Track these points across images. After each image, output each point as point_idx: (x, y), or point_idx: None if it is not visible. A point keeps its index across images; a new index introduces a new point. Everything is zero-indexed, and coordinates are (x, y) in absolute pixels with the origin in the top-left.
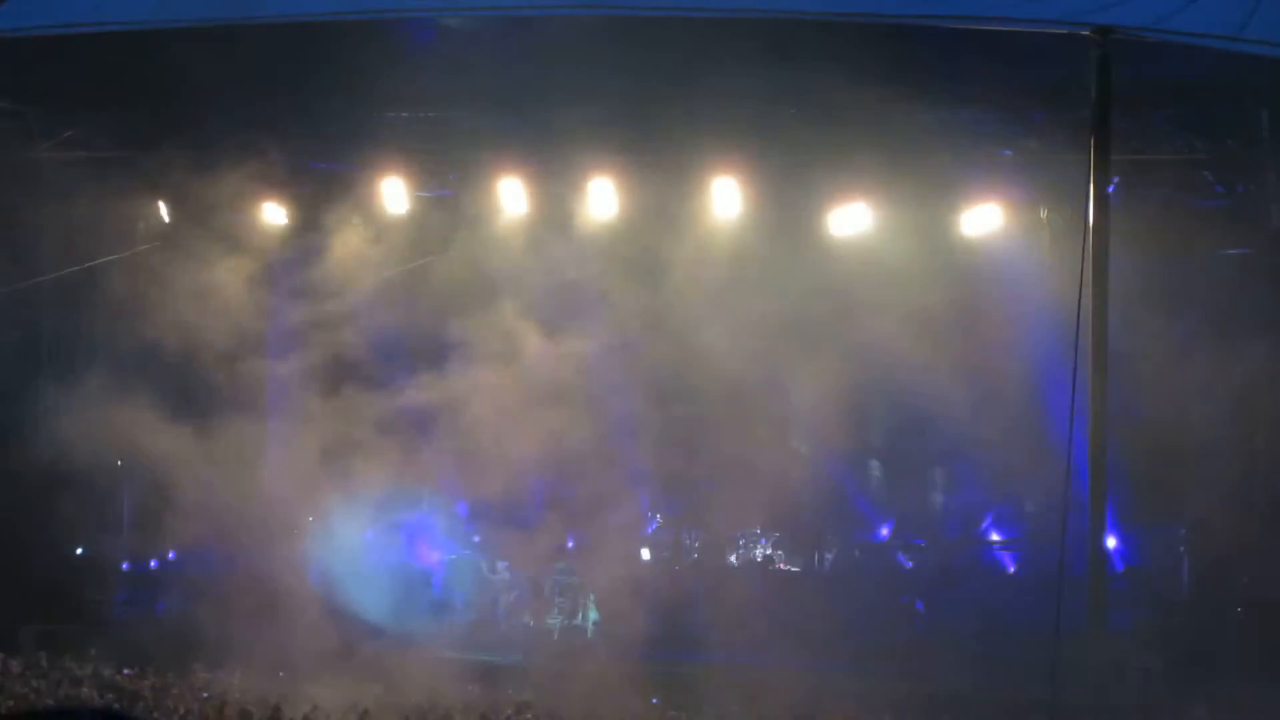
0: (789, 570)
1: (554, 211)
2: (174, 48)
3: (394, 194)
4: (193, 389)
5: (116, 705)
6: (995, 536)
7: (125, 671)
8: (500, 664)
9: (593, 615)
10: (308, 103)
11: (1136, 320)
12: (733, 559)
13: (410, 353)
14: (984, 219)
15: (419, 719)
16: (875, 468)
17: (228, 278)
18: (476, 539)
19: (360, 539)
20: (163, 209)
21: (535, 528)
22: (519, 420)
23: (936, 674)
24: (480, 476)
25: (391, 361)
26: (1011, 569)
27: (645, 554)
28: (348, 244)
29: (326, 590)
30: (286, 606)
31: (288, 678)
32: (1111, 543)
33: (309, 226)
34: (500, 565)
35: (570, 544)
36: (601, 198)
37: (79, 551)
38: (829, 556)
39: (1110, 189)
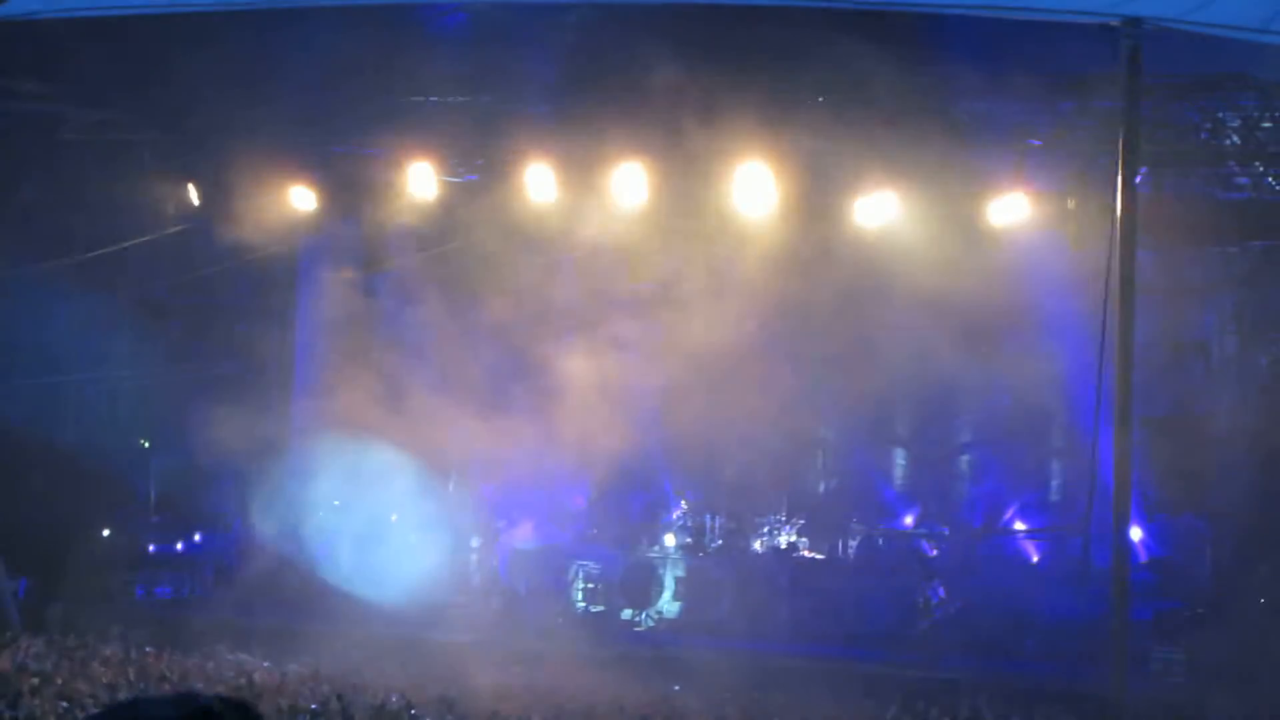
0: (812, 557)
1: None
2: (204, 31)
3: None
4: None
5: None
6: (1020, 526)
7: (147, 649)
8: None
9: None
10: (335, 87)
11: (1163, 311)
12: (756, 545)
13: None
14: (1011, 209)
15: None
16: (900, 455)
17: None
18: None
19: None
20: (193, 192)
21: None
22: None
23: (955, 662)
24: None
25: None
26: (1035, 559)
27: (669, 540)
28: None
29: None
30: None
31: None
32: (1137, 534)
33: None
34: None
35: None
36: (629, 184)
37: (104, 533)
38: (853, 544)
39: (1138, 180)
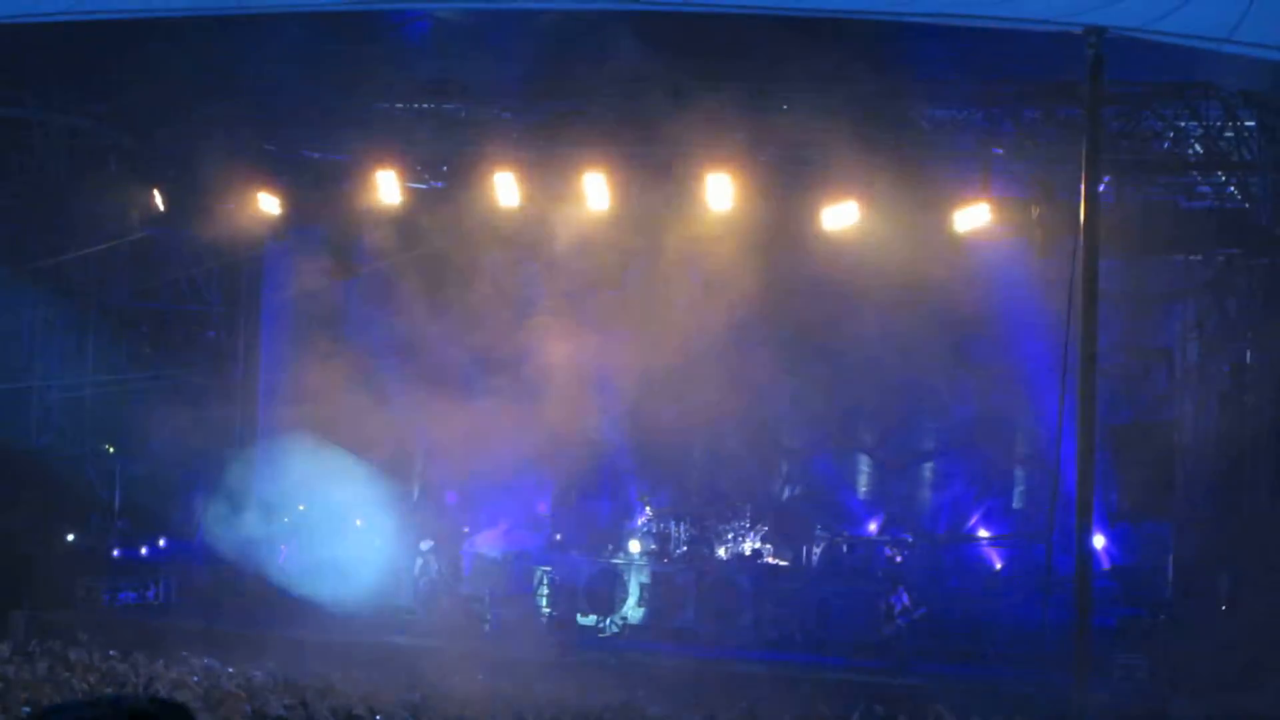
0: (777, 564)
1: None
2: (170, 36)
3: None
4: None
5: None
6: (983, 533)
7: (111, 652)
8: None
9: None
10: (301, 93)
11: (1127, 319)
12: (721, 552)
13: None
14: (975, 217)
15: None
16: (864, 462)
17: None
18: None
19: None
20: (158, 197)
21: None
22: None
23: (919, 668)
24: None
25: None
26: (998, 566)
27: (634, 546)
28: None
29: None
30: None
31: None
32: (1100, 541)
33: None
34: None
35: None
36: (594, 190)
37: (69, 538)
38: (817, 550)
39: (1101, 188)
